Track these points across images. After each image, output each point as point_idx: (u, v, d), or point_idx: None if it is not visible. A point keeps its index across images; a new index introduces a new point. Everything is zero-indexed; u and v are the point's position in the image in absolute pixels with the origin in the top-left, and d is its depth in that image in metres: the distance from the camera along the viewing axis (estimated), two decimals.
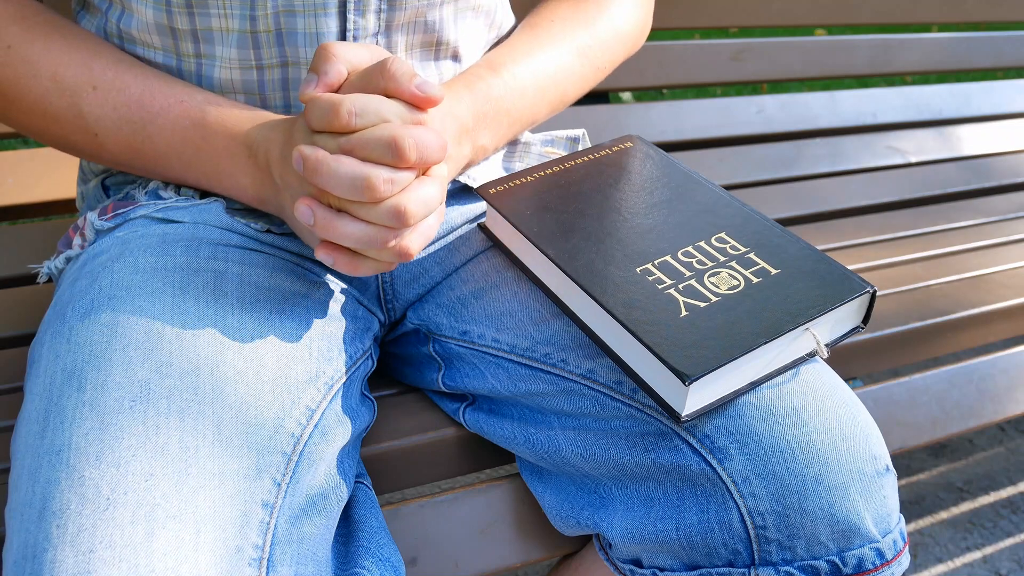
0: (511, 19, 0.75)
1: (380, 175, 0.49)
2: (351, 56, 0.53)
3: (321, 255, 0.53)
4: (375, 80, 0.52)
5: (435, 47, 0.66)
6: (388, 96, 0.51)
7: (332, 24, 0.60)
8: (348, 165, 0.49)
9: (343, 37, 0.61)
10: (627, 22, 0.73)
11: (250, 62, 0.60)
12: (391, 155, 0.49)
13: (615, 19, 0.71)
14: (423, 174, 0.52)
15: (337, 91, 0.53)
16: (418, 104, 0.52)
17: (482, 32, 0.70)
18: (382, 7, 0.61)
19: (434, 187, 0.52)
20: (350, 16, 0.60)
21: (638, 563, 0.60)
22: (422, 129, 0.50)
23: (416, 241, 0.53)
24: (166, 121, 0.58)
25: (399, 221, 0.50)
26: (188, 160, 0.59)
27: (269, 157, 0.55)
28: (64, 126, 0.59)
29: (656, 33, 0.75)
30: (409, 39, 0.64)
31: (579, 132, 0.79)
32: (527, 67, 0.66)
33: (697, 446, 0.55)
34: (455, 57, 0.67)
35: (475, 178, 0.70)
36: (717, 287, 0.57)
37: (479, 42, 0.70)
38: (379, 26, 0.61)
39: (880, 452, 0.56)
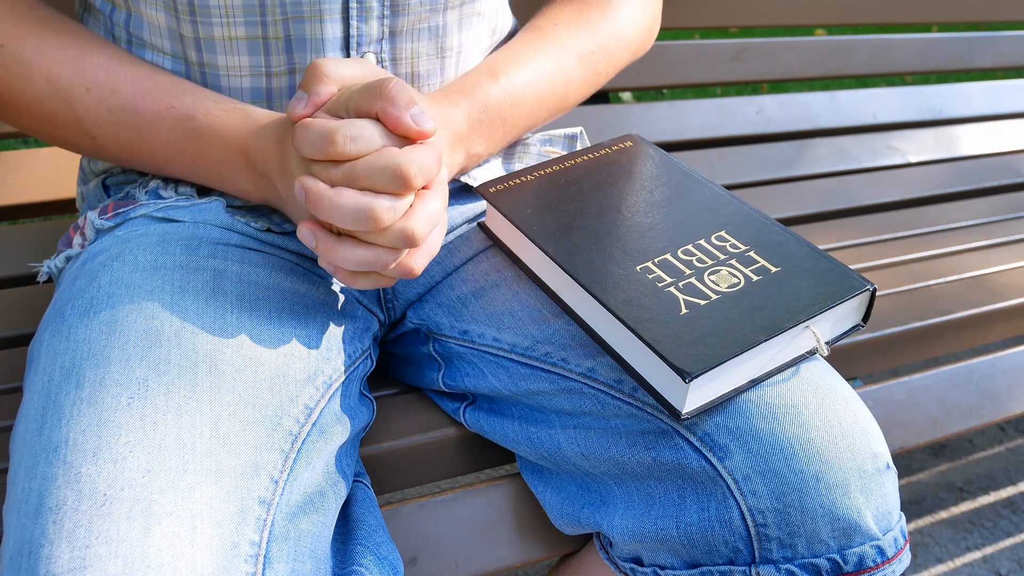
0: (510, 20, 0.75)
1: (383, 205, 0.49)
2: (343, 74, 0.53)
3: (323, 265, 0.53)
4: (372, 98, 0.50)
5: (440, 53, 0.65)
6: (381, 115, 0.50)
7: (336, 30, 0.59)
8: (349, 198, 0.49)
9: (346, 43, 0.61)
10: (631, 25, 0.72)
11: (260, 69, 0.60)
12: (397, 184, 0.49)
13: (619, 23, 0.71)
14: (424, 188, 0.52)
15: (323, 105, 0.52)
16: (411, 138, 0.51)
17: (484, 37, 0.70)
18: (385, 13, 0.60)
19: (437, 201, 0.52)
20: (353, 22, 0.60)
21: (639, 561, 0.60)
22: (421, 150, 0.50)
23: (421, 259, 0.53)
24: (160, 130, 0.58)
25: (407, 243, 0.50)
26: (188, 167, 0.60)
27: (268, 169, 0.56)
28: (63, 128, 0.59)
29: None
30: (413, 46, 0.63)
31: (576, 130, 0.79)
32: (528, 74, 0.65)
33: (697, 444, 0.55)
34: (459, 63, 0.67)
35: (475, 177, 0.70)
36: (717, 285, 0.57)
37: (482, 46, 0.69)
38: (383, 32, 0.61)
39: (880, 449, 0.55)
